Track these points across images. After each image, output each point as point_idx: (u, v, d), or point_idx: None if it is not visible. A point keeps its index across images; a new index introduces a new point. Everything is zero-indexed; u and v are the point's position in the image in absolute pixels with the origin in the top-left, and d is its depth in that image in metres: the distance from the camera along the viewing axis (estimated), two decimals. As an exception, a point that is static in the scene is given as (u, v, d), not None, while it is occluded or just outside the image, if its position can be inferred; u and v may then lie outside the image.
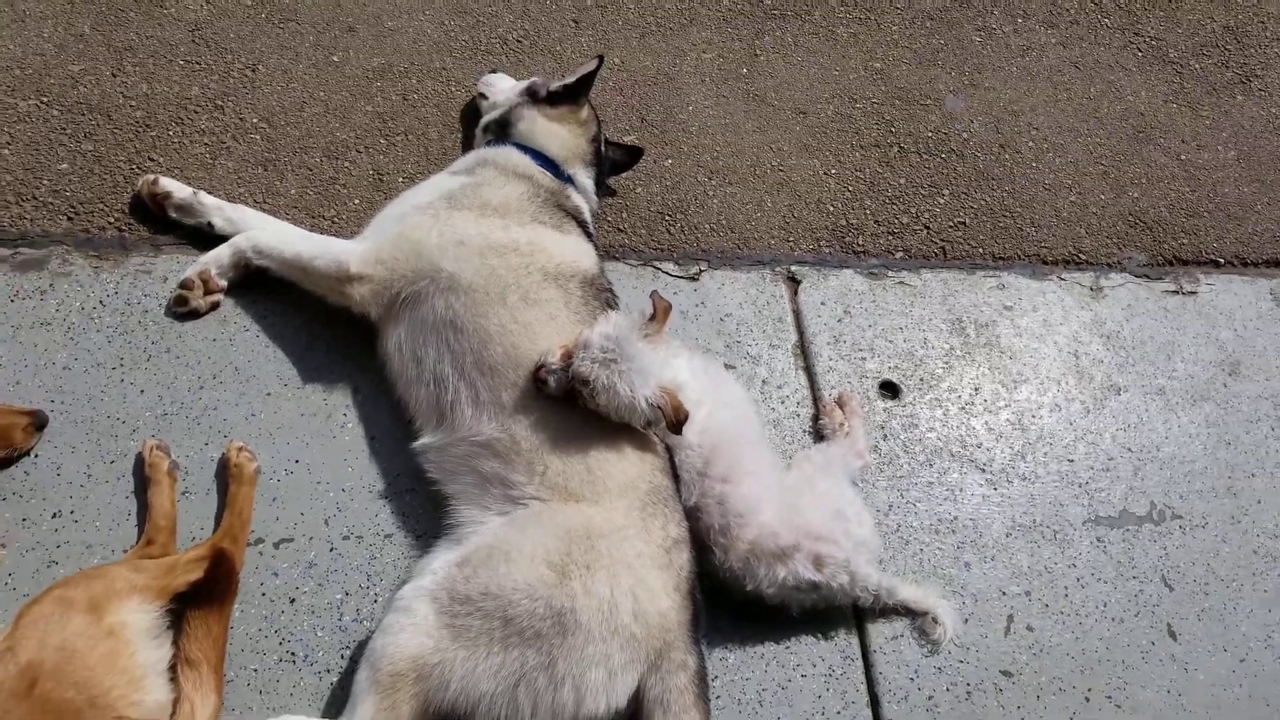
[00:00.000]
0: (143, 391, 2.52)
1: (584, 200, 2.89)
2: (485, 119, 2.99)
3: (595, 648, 2.11)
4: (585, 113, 2.96)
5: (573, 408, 2.37)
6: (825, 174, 3.40)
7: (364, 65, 3.23)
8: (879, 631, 2.59)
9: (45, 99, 2.91)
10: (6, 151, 2.79)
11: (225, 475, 2.43)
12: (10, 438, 2.32)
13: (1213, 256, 3.54)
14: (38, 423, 2.37)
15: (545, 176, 2.79)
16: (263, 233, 2.68)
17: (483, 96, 3.12)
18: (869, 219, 3.33)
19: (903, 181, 3.45)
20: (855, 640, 2.57)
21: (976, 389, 3.07)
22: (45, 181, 2.77)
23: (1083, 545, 2.83)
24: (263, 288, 2.69)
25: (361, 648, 2.29)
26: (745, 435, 2.59)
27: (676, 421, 2.33)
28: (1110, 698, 2.59)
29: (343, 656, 2.32)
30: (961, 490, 2.86)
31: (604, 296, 2.64)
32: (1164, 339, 3.31)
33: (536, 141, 2.86)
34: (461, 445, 2.41)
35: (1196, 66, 4.11)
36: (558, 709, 2.10)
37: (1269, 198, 3.73)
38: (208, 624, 2.18)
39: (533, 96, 2.94)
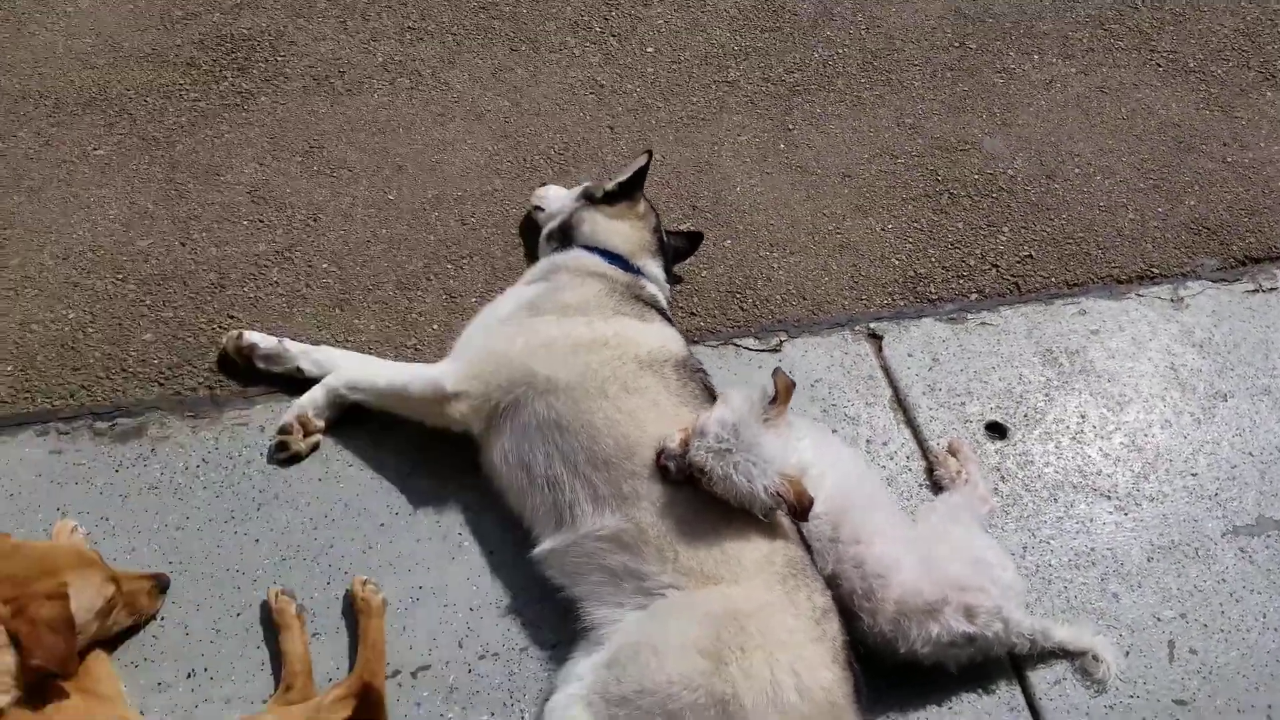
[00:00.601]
0: (257, 541, 2.57)
1: (657, 289, 2.99)
2: (547, 229, 3.12)
3: (766, 735, 2.09)
4: (642, 206, 3.10)
5: (696, 489, 2.40)
6: (882, 230, 3.50)
7: (419, 198, 3.39)
8: (1040, 678, 2.54)
9: (120, 275, 3.06)
10: (91, 330, 2.93)
11: (353, 611, 2.46)
12: (136, 603, 2.36)
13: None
14: (160, 585, 2.42)
15: (617, 271, 2.90)
16: (352, 369, 2.78)
17: (538, 209, 3.26)
18: (936, 266, 3.41)
19: (960, 225, 3.54)
20: (1018, 690, 2.53)
21: (1083, 416, 3.08)
22: (132, 352, 2.90)
23: (1227, 558, 2.80)
24: (356, 423, 2.77)
25: None
26: (869, 495, 2.61)
27: (801, 509, 2.33)
28: (1295, 709, 2.52)
29: None
30: (1092, 520, 2.85)
31: (698, 377, 2.71)
32: (1257, 338, 3.33)
33: (601, 240, 2.99)
34: (585, 543, 2.44)
35: (1218, 71, 4.25)
36: None
37: (1323, 185, 3.81)
38: None
39: (589, 199, 3.08)
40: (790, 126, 3.82)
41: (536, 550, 2.52)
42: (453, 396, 2.63)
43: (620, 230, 3.02)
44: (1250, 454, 3.03)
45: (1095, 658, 2.56)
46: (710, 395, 2.67)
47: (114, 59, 3.65)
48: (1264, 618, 2.68)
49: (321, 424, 2.75)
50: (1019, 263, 3.45)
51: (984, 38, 4.27)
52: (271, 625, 2.43)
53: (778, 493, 2.31)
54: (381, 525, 2.64)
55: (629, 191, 3.07)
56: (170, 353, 2.91)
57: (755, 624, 2.21)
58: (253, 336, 2.86)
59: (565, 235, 3.05)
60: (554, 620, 2.51)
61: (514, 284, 2.98)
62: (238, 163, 3.39)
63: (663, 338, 2.74)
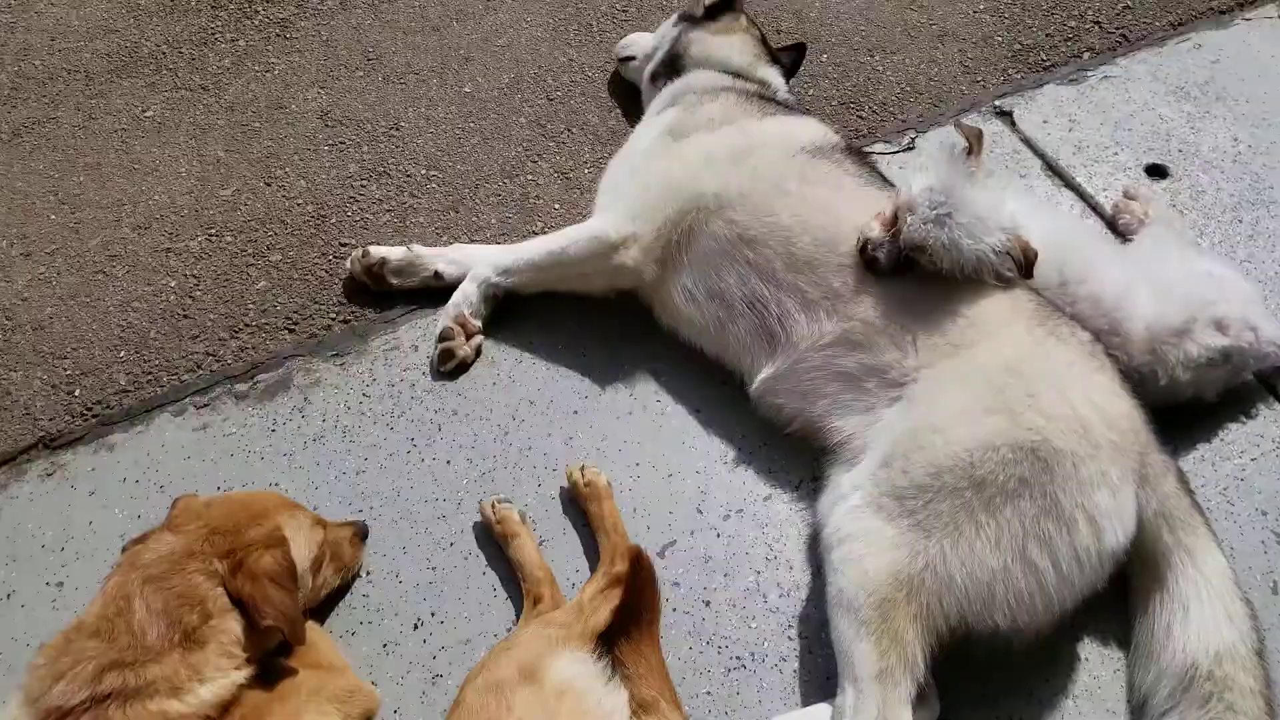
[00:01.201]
0: (449, 463, 2.05)
1: (784, 94, 2.43)
2: (650, 69, 2.52)
3: (1087, 468, 1.64)
4: (745, 19, 2.51)
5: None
6: (975, 11, 2.93)
7: (496, 85, 2.79)
8: None
9: (212, 230, 2.47)
10: (199, 293, 2.35)
11: (576, 506, 1.96)
12: (341, 554, 1.83)
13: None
14: (360, 533, 1.89)
15: (742, 83, 2.33)
16: (497, 255, 2.23)
17: (627, 60, 2.67)
18: (1040, 35, 2.85)
19: (1049, -7, 2.97)
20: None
21: (1235, 139, 2.56)
22: (250, 306, 2.33)
23: None
24: (513, 320, 2.23)
25: (806, 621, 1.81)
26: (1080, 234, 2.11)
27: (1028, 263, 1.84)
28: None
29: (790, 637, 1.82)
30: None
31: (868, 160, 2.17)
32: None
33: (716, 57, 2.41)
34: (810, 357, 1.93)
35: None
36: (1080, 551, 1.62)
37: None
38: (642, 655, 1.69)
39: (691, 21, 2.48)
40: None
41: (755, 384, 2.00)
42: (620, 244, 2.08)
43: (732, 44, 2.43)
44: None
45: None
46: (882, 179, 2.13)
47: (134, 19, 2.98)
48: None
49: (479, 323, 2.20)
50: (1119, 15, 2.87)
51: None
52: (493, 543, 1.92)
53: (1006, 253, 1.82)
54: (575, 413, 2.12)
55: (730, 2, 2.48)
56: (291, 296, 2.34)
57: (1032, 367, 1.74)
58: (379, 250, 2.28)
59: (674, 65, 2.45)
60: (789, 460, 2.02)
61: (636, 128, 2.41)
62: (298, 92, 2.77)
63: (819, 128, 2.19)
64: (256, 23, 2.93)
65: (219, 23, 2.95)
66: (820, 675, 1.76)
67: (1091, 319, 1.94)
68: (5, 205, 2.53)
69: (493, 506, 1.93)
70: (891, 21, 2.92)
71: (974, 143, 1.91)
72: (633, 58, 2.64)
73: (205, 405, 2.15)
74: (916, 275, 1.88)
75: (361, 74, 2.80)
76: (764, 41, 2.51)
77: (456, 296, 2.20)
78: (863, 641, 1.59)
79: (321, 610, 1.82)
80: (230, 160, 2.61)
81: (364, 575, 1.90)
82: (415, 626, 1.84)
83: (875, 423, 1.83)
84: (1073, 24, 2.85)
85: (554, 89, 2.77)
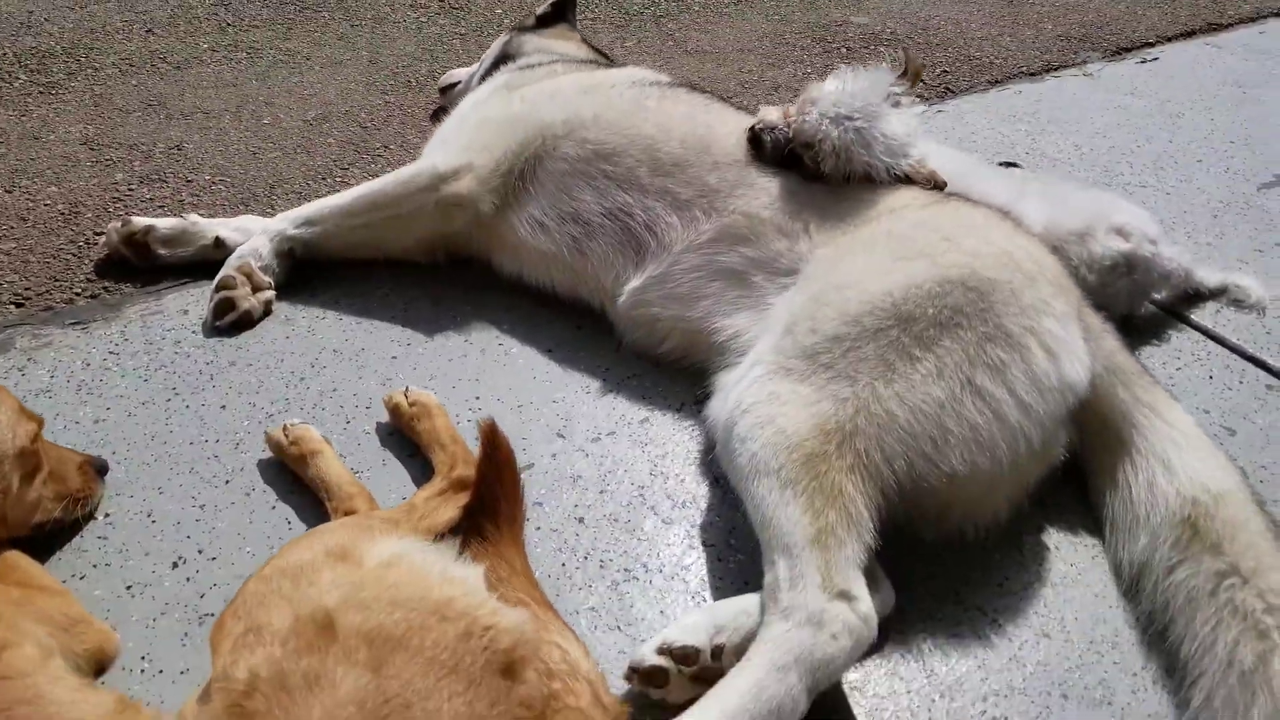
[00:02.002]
0: (224, 407, 1.77)
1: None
2: (478, 76, 2.60)
3: (1028, 294, 1.56)
4: (578, 35, 2.69)
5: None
6: (779, 74, 3.28)
7: (301, 119, 2.82)
8: (1200, 317, 2.20)
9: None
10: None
11: (406, 427, 1.70)
12: (65, 477, 1.48)
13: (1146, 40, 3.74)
14: (97, 466, 1.55)
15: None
16: (297, 210, 2.09)
17: (449, 89, 2.79)
18: None
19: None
20: (1189, 331, 2.18)
21: (1076, 145, 2.91)
22: (-35, 289, 2.05)
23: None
24: (311, 283, 2.07)
25: (710, 528, 1.60)
26: (969, 162, 2.20)
27: (938, 186, 1.89)
28: None
29: (693, 546, 1.58)
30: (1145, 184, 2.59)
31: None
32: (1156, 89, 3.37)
33: (553, 50, 2.52)
34: (686, 258, 1.86)
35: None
36: (1038, 376, 1.50)
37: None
38: (503, 558, 1.40)
39: (521, 29, 2.64)
40: (671, 32, 3.62)
41: (623, 297, 1.90)
42: (452, 174, 2.01)
43: (569, 45, 2.58)
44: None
45: (1238, 287, 2.24)
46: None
47: None
48: None
49: (269, 279, 2.01)
50: (938, 77, 3.34)
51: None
52: (285, 479, 1.63)
53: (907, 173, 1.86)
54: (393, 359, 1.91)
55: (563, 12, 2.67)
56: (24, 277, 2.08)
57: (942, 219, 1.72)
58: (144, 219, 2.10)
59: (504, 63, 2.50)
60: (666, 385, 1.89)
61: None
62: (60, 127, 2.67)
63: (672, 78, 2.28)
64: (16, 85, 2.89)
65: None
66: (736, 580, 1.51)
67: None
68: None
69: (286, 429, 1.64)
70: (725, 78, 3.26)
71: (912, 73, 2.00)
72: (456, 84, 2.77)
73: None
74: (803, 176, 1.88)
75: (139, 114, 2.77)
76: (602, 53, 2.69)
77: (243, 248, 2.03)
78: (789, 504, 1.38)
79: (34, 548, 1.43)
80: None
81: (101, 518, 1.54)
82: (174, 565, 1.48)
83: (767, 313, 1.73)
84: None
85: (367, 120, 2.83)
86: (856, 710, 1.34)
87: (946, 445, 1.43)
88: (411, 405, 1.70)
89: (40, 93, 2.85)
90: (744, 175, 1.89)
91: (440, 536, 1.42)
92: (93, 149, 2.57)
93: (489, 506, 1.43)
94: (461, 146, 2.06)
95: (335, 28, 3.50)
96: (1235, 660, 1.32)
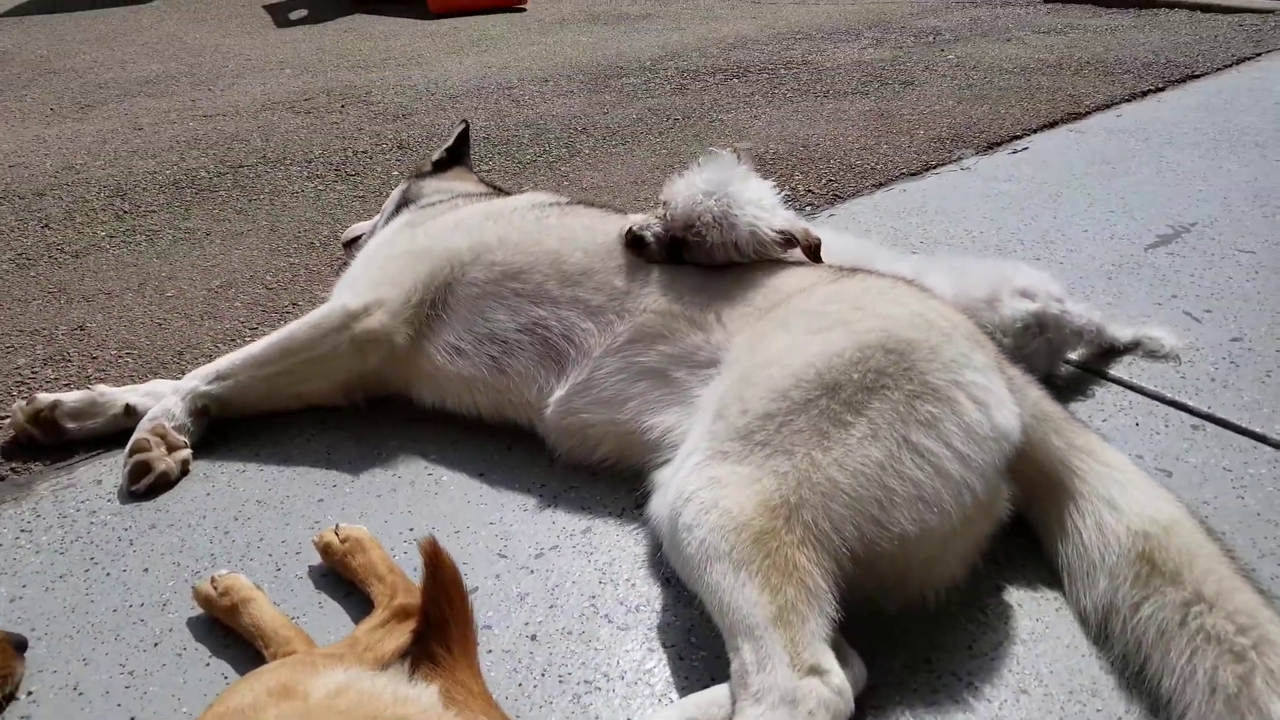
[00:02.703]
0: (146, 570, 1.71)
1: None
2: (384, 220, 2.65)
3: (948, 350, 1.62)
4: (475, 176, 2.79)
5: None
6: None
7: (205, 288, 2.82)
8: (1118, 372, 2.29)
9: None
10: None
11: (339, 565, 1.65)
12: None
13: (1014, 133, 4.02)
14: (15, 643, 1.48)
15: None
16: (207, 367, 2.07)
17: (352, 243, 2.82)
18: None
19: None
20: (1111, 385, 2.26)
21: (966, 230, 3.05)
22: None
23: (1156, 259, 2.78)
24: (227, 438, 2.05)
25: (669, 629, 1.59)
26: (862, 244, 2.32)
27: (813, 247, 2.00)
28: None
29: (652, 649, 1.55)
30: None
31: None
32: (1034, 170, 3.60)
33: (452, 190, 2.58)
34: (607, 363, 1.89)
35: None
36: (970, 426, 1.54)
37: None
38: (459, 683, 1.35)
39: (419, 175, 2.72)
40: (565, 174, 3.75)
41: (551, 408, 1.92)
42: (362, 311, 2.04)
43: (466, 186, 2.65)
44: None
45: (1151, 339, 2.36)
46: None
47: None
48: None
49: (184, 439, 1.97)
50: (825, 185, 3.52)
51: None
52: (217, 634, 1.57)
53: (788, 231, 1.97)
54: (320, 501, 1.88)
55: (458, 156, 2.77)
56: (-81, 470, 2.00)
57: (852, 290, 1.79)
58: (49, 395, 2.06)
59: (406, 204, 2.58)
60: (605, 494, 1.89)
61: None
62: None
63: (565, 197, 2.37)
64: None
65: None
66: (703, 677, 1.47)
67: None
68: None
69: (214, 581, 1.58)
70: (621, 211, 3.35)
71: (742, 157, 2.11)
72: (358, 236, 2.81)
73: None
74: (698, 266, 1.96)
75: (39, 303, 2.75)
76: (503, 192, 2.75)
77: (155, 410, 2.01)
78: (745, 586, 1.37)
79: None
80: None
81: (24, 697, 1.46)
82: None
83: (693, 403, 1.76)
84: (785, 195, 3.36)
85: (273, 282, 2.85)
86: (844, 789, 1.30)
87: (893, 505, 1.44)
88: (344, 541, 1.66)
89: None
90: (649, 274, 1.96)
91: (387, 666, 1.37)
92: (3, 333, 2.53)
93: (438, 629, 1.38)
94: (371, 284, 2.09)
95: (233, 204, 3.56)
96: (1218, 686, 1.32)
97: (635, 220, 2.00)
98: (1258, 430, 2.06)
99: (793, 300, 1.81)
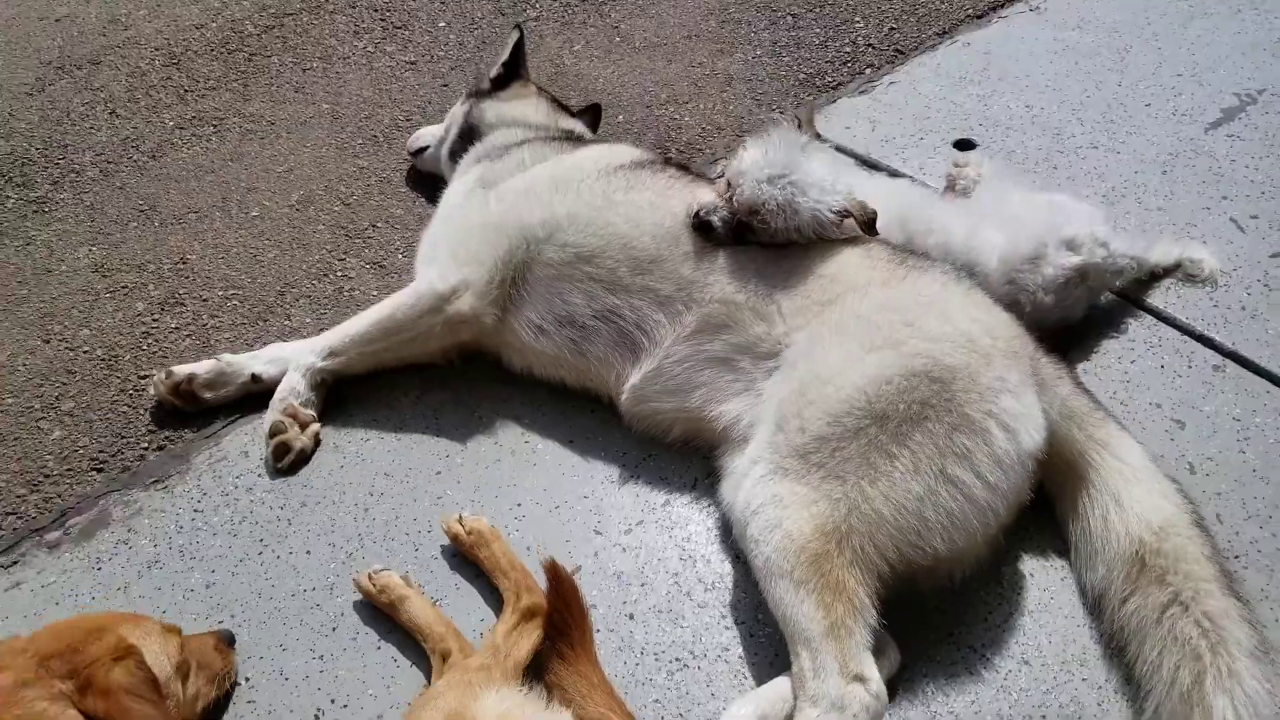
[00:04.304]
0: (309, 553, 2.16)
1: (591, 135, 2.85)
2: (448, 146, 2.91)
3: (985, 376, 1.92)
4: (533, 85, 2.97)
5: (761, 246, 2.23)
6: (753, 58, 3.60)
7: (285, 204, 3.11)
8: (1154, 300, 2.58)
9: (-14, 399, 2.56)
10: (-17, 460, 2.42)
11: (467, 554, 2.09)
12: (209, 662, 1.88)
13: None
14: (225, 638, 1.95)
15: (547, 133, 2.74)
16: (318, 340, 2.43)
17: (420, 151, 3.07)
18: (821, 64, 3.55)
19: (818, 29, 3.67)
20: (1146, 317, 2.56)
21: (1028, 105, 3.19)
22: (48, 457, 2.41)
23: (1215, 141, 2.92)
24: (347, 401, 2.44)
25: (738, 607, 2.01)
26: (916, 194, 2.54)
27: (869, 220, 2.21)
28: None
29: (727, 626, 2.00)
30: (1085, 160, 2.98)
31: (691, 168, 2.57)
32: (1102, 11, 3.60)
33: (514, 117, 2.82)
34: (676, 351, 2.21)
35: None
36: (1001, 455, 1.88)
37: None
38: (581, 675, 1.83)
39: (479, 95, 2.91)
40: (616, 23, 3.84)
41: (625, 394, 2.26)
42: (452, 294, 2.35)
43: (527, 105, 2.87)
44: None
45: (1192, 262, 2.58)
46: (709, 180, 2.52)
47: None
48: None
49: (312, 412, 2.37)
50: (887, 35, 3.59)
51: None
52: (381, 617, 2.03)
53: (845, 209, 2.19)
54: (438, 474, 2.29)
55: (515, 69, 2.93)
56: (93, 438, 2.44)
57: (903, 300, 2.06)
58: (182, 368, 2.45)
59: (472, 136, 2.83)
60: (679, 464, 2.27)
61: (444, 193, 2.74)
62: (66, 253, 2.97)
63: (634, 149, 2.59)
64: (10, 206, 3.16)
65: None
66: (768, 654, 1.91)
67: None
68: None
69: (369, 577, 2.03)
70: (677, 79, 3.53)
71: (805, 122, 2.32)
72: (426, 147, 3.05)
73: (14, 563, 2.18)
74: (761, 246, 2.22)
75: (135, 225, 3.06)
76: (559, 103, 2.97)
77: (281, 389, 2.38)
78: (804, 603, 1.77)
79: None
80: (1, 322, 2.75)
81: (243, 682, 1.95)
82: (316, 716, 1.88)
83: (758, 398, 2.09)
84: (848, 50, 3.52)
85: (349, 195, 3.12)
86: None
87: (928, 532, 1.82)
88: (469, 534, 2.09)
89: (34, 213, 3.13)
90: (714, 261, 2.22)
91: (530, 671, 1.84)
92: (105, 276, 2.88)
93: (562, 633, 1.85)
94: (455, 261, 2.38)
95: (288, 76, 3.72)
96: (1177, 681, 1.74)
97: (703, 203, 2.24)
98: (1275, 370, 2.37)
99: (848, 300, 2.09)
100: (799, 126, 2.30)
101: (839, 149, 3.08)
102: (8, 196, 3.21)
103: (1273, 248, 2.65)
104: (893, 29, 3.62)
